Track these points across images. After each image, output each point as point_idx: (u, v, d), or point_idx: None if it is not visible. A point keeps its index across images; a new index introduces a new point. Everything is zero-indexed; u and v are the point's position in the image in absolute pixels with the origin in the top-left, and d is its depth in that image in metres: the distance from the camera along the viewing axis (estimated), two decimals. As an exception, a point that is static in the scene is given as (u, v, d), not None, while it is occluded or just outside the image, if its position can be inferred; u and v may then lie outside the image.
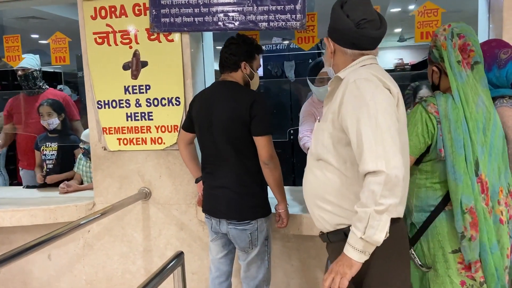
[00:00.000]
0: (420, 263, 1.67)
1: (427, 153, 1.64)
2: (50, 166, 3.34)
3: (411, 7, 6.10)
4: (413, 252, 1.69)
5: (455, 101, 1.57)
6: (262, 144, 2.00)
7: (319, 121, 1.55)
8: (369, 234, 1.26)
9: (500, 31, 2.20)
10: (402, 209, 1.49)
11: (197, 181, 2.35)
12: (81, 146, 3.10)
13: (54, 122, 3.26)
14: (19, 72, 3.46)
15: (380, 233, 1.26)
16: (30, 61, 3.45)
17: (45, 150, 3.34)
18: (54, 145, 3.37)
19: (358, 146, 1.31)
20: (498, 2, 2.22)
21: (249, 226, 2.05)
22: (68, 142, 3.36)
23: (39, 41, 7.73)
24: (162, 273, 1.67)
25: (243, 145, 2.03)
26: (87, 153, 3.07)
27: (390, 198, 1.25)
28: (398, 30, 8.60)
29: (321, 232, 1.60)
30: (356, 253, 1.31)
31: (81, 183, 3.18)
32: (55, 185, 3.10)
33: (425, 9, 2.43)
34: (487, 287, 1.58)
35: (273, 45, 4.72)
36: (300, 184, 2.09)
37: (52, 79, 5.79)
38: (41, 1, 2.91)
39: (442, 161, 1.60)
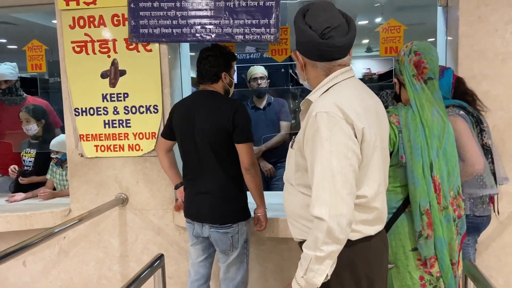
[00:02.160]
0: None
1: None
2: (28, 173, 3.33)
3: (378, 19, 6.39)
4: None
5: (413, 109, 1.74)
6: (245, 151, 2.10)
7: (291, 147, 1.52)
8: (309, 276, 1.30)
9: (456, 46, 2.40)
10: (368, 229, 1.44)
11: (176, 187, 2.42)
12: (53, 156, 3.10)
13: (32, 128, 3.26)
14: (2, 86, 3.44)
15: (319, 277, 1.29)
16: (12, 72, 3.43)
17: (25, 156, 3.33)
18: (33, 152, 3.37)
19: (311, 184, 1.32)
20: (454, 18, 2.42)
21: (231, 230, 2.14)
22: (47, 149, 3.35)
23: (7, 46, 7.57)
24: (143, 275, 1.75)
25: (225, 152, 2.13)
26: (60, 162, 3.09)
27: (332, 245, 1.26)
28: (365, 41, 8.94)
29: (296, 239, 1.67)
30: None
31: (53, 189, 3.18)
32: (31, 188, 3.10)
33: (389, 26, 2.61)
34: (444, 278, 1.74)
35: (247, 55, 4.84)
36: (273, 189, 2.18)
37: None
38: (18, 8, 2.91)
39: (403, 166, 1.76)
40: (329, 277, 1.31)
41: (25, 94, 3.60)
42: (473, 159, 1.84)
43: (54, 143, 3.07)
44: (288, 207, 1.56)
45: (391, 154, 1.77)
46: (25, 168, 3.34)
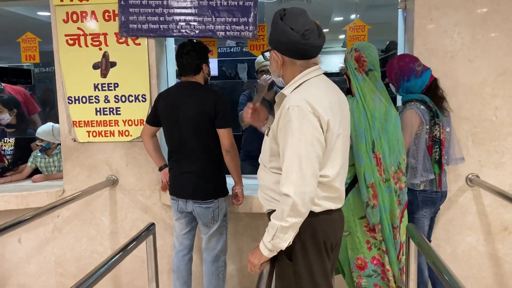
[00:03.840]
0: None
1: None
2: (10, 160, 3.51)
3: (353, 16, 6.73)
4: None
5: (356, 97, 2.06)
6: (225, 135, 2.38)
7: (267, 134, 1.75)
8: (275, 242, 1.57)
9: (412, 44, 2.72)
10: (329, 204, 1.68)
11: (160, 169, 2.68)
12: (37, 143, 3.27)
13: (5, 117, 3.42)
14: None
15: (283, 243, 1.57)
16: None
17: (4, 145, 3.49)
18: (12, 141, 3.53)
19: (282, 167, 1.56)
20: (411, 20, 2.73)
21: (212, 205, 2.43)
22: (25, 136, 3.52)
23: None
24: (136, 240, 2.01)
25: (207, 136, 2.40)
26: (44, 150, 3.28)
27: (295, 218, 1.52)
28: (342, 36, 9.30)
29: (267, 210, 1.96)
30: (266, 250, 1.61)
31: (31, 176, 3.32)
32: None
33: (355, 25, 2.92)
34: (385, 240, 2.07)
35: (228, 48, 5.11)
36: (250, 172, 2.45)
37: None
38: (11, 2, 3.10)
39: (350, 149, 2.04)
40: (291, 243, 1.60)
41: (2, 84, 3.72)
42: (416, 158, 2.24)
43: (41, 132, 3.24)
44: (261, 182, 1.84)
45: None
46: (7, 156, 3.49)
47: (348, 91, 2.25)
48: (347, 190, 2.09)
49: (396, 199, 2.08)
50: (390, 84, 2.50)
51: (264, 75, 3.24)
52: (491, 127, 2.66)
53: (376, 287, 2.14)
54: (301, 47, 1.58)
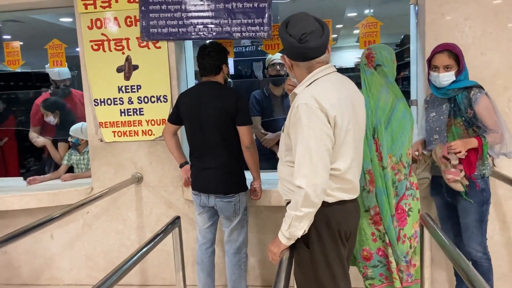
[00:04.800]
0: None
1: None
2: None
3: (366, 11, 6.75)
4: None
5: (362, 88, 2.18)
6: (245, 132, 2.50)
7: (282, 131, 1.86)
8: (291, 230, 1.68)
9: (423, 38, 2.78)
10: (342, 195, 1.78)
11: (181, 166, 2.81)
12: (69, 139, 3.51)
13: (51, 120, 3.64)
14: (62, 85, 3.85)
15: (299, 231, 1.68)
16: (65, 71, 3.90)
17: None
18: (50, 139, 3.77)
19: (294, 161, 1.68)
20: (422, 14, 2.80)
21: (233, 199, 2.54)
22: (60, 135, 3.74)
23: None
24: (164, 232, 2.16)
25: (228, 133, 2.52)
26: (74, 146, 3.50)
27: (308, 208, 1.64)
28: (356, 31, 9.33)
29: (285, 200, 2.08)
30: (284, 238, 1.72)
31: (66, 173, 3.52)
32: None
33: (367, 22, 2.99)
34: (382, 217, 2.17)
35: (243, 48, 5.20)
36: (268, 168, 2.58)
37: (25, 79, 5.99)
38: (39, 11, 3.27)
39: None
40: (306, 232, 1.71)
41: (70, 89, 3.97)
42: (504, 131, 2.32)
43: (72, 129, 3.48)
44: (279, 174, 1.97)
45: None
46: None
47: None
48: None
49: (392, 189, 2.17)
50: (432, 77, 2.44)
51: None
52: (504, 118, 2.69)
53: (381, 276, 2.25)
54: (300, 51, 1.68)
